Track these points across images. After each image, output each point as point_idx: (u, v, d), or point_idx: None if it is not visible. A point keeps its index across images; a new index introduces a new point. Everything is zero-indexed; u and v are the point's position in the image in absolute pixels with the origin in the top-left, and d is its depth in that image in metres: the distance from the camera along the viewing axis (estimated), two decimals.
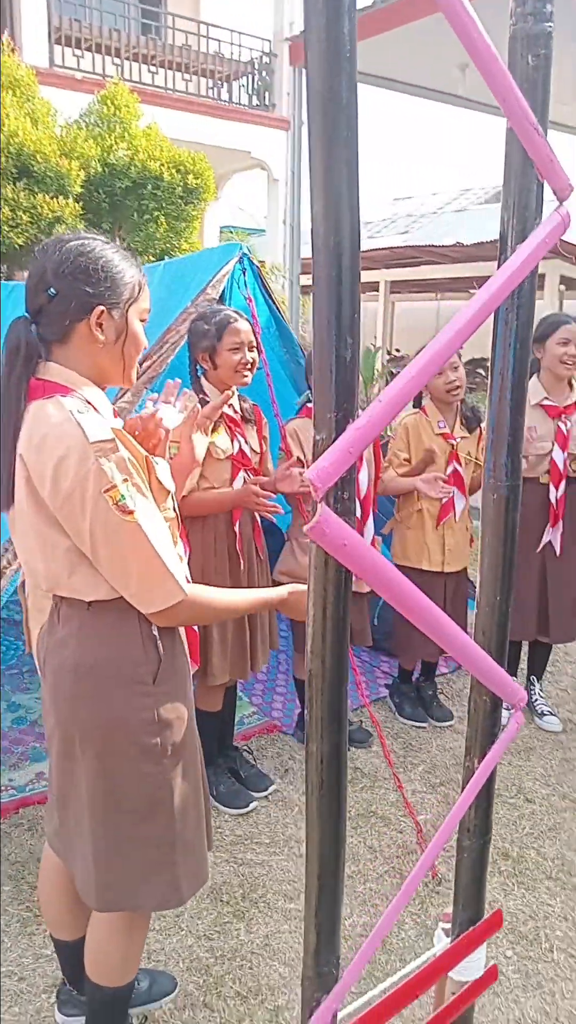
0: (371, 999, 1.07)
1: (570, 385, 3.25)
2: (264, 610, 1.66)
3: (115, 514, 1.36)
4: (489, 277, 1.00)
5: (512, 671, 3.59)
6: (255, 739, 3.26)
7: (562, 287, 12.52)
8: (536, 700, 3.55)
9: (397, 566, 3.22)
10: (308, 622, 0.93)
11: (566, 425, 3.19)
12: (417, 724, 3.40)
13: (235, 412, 2.55)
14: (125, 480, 1.38)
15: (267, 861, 2.56)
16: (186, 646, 1.69)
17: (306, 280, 14.35)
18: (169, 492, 1.56)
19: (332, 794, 0.96)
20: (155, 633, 1.54)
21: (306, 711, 0.92)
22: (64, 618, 1.50)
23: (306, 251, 13.23)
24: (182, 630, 1.66)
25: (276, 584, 2.85)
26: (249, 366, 2.46)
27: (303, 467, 2.77)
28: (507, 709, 1.16)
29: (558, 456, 3.19)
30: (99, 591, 1.44)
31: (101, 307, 1.44)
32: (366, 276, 15.57)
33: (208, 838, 1.76)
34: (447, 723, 3.43)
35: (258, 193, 14.59)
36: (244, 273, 2.91)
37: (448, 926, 1.27)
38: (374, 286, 16.24)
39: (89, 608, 1.47)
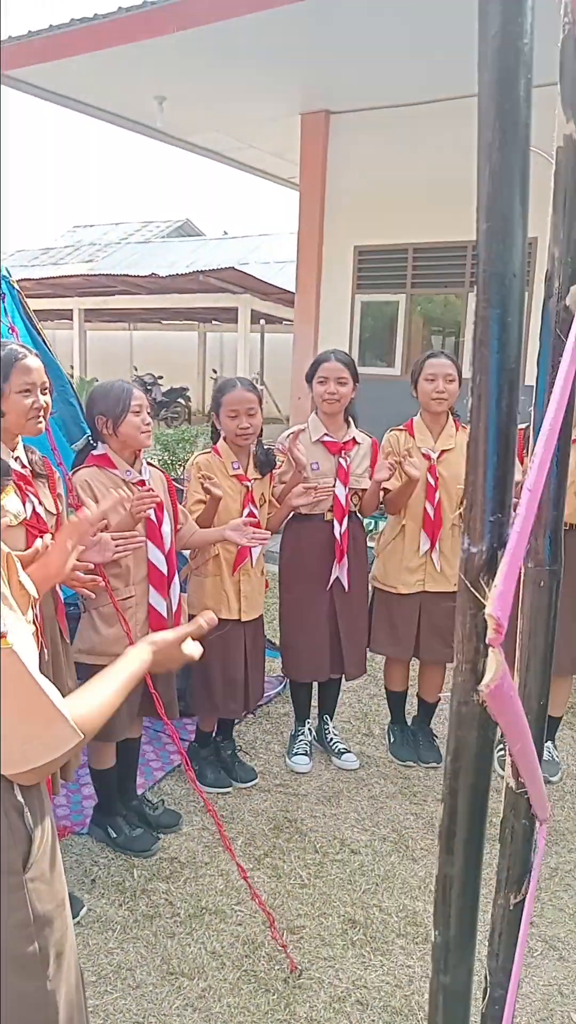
0: None
1: (346, 421, 3.25)
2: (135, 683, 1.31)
3: None
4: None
5: (305, 712, 3.50)
6: None
7: (263, 321, 13.09)
8: (332, 739, 3.48)
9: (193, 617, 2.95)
10: (445, 813, 0.66)
11: (346, 460, 3.18)
12: (222, 790, 3.13)
13: (23, 467, 2.09)
14: None
15: (99, 1006, 2.12)
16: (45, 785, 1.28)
17: None
18: (31, 598, 1.17)
19: None
20: (19, 798, 1.13)
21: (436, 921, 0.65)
22: None
23: None
24: None
25: (78, 666, 2.43)
26: (42, 411, 2.03)
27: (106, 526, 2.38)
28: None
29: (340, 491, 3.17)
30: None
31: None
32: (60, 304, 14.92)
33: None
34: (251, 783, 3.21)
35: None
36: (2, 299, 2.45)
37: None
38: (67, 314, 15.61)
39: None
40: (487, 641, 0.59)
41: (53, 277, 14.20)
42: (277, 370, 13.09)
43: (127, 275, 13.41)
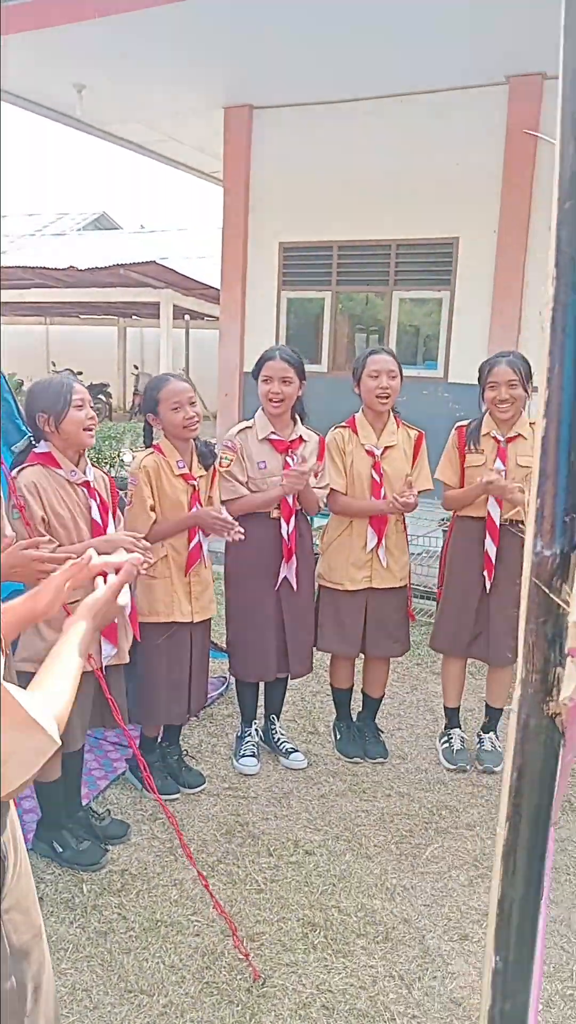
0: None
1: (293, 419, 3.21)
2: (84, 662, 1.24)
3: None
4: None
5: (252, 713, 3.45)
6: None
7: (187, 317, 12.92)
8: (280, 739, 3.44)
9: (142, 623, 2.87)
10: (508, 833, 0.62)
11: (293, 459, 3.14)
12: (170, 797, 3.05)
13: None
14: None
15: None
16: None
17: None
18: None
19: None
20: None
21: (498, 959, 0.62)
22: None
23: None
24: None
25: (20, 675, 2.31)
26: None
27: (46, 529, 2.27)
28: None
29: None
30: None
31: None
32: None
33: None
34: (199, 787, 3.15)
35: None
36: None
37: None
38: None
39: None
40: (568, 650, 0.56)
41: None
42: (201, 366, 12.96)
43: (43, 267, 12.99)
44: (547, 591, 0.56)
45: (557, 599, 0.55)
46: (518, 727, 0.58)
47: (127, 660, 2.64)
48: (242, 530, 2.83)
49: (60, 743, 1.06)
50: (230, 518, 2.81)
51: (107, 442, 7.61)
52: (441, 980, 2.24)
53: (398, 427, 3.32)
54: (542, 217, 7.39)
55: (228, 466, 3.06)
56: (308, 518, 3.31)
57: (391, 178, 8.05)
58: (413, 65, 7.15)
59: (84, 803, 2.90)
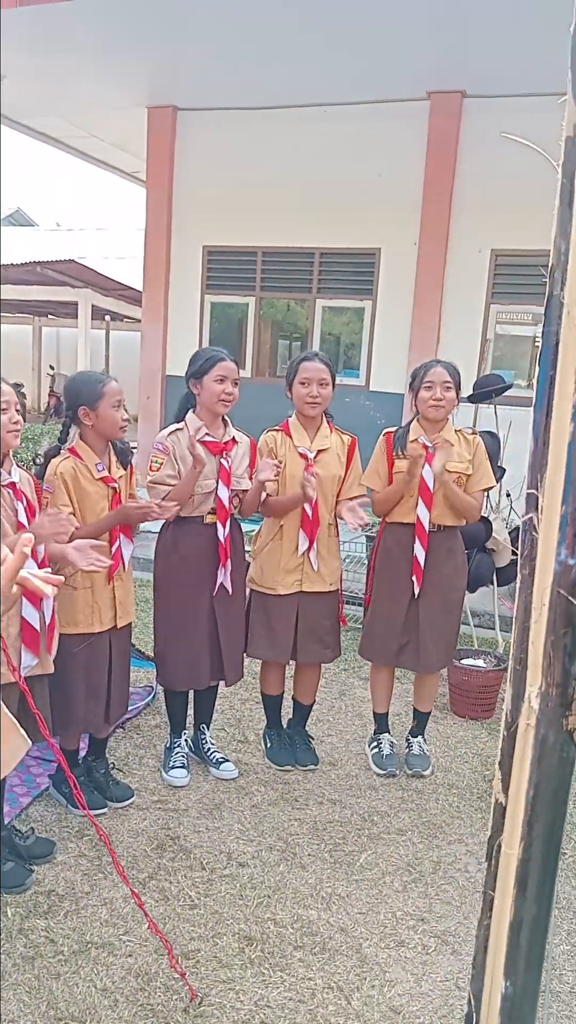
0: None
1: (224, 422, 3.17)
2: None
3: None
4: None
5: (181, 723, 3.37)
6: None
7: (108, 318, 12.65)
8: (209, 749, 3.38)
9: (60, 633, 2.75)
10: (520, 851, 0.60)
11: (228, 461, 3.09)
12: (98, 812, 2.94)
13: None
14: None
15: None
16: None
17: None
18: None
19: None
20: None
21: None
22: None
23: None
24: None
25: None
26: None
27: None
28: None
29: (223, 493, 3.07)
30: None
31: None
32: None
33: None
34: (128, 801, 3.05)
35: None
36: None
37: None
38: None
39: None
40: None
41: None
42: (121, 368, 12.72)
43: None
44: (571, 599, 0.54)
45: None
46: (535, 744, 0.56)
47: (51, 670, 2.53)
48: (107, 563, 2.58)
49: (30, 744, 1.00)
50: (93, 553, 2.46)
51: (24, 444, 7.34)
52: (380, 989, 2.23)
53: (331, 432, 3.32)
54: (461, 230, 7.58)
55: (159, 469, 2.99)
56: (240, 522, 3.27)
57: (315, 187, 8.10)
58: (338, 76, 7.22)
59: (6, 821, 2.76)
